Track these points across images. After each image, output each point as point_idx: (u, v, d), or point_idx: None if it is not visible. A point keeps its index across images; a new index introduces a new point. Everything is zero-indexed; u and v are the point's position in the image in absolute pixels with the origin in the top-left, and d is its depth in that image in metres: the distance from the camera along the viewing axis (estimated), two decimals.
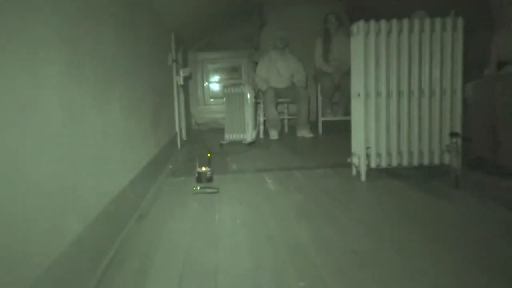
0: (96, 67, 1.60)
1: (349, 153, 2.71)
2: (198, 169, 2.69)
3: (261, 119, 4.99)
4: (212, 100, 6.55)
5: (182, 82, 4.09)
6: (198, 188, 2.49)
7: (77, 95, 1.37)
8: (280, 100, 5.05)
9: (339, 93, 5.07)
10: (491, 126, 2.68)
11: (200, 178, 2.68)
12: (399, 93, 2.51)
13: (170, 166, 3.16)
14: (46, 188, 1.10)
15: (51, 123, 1.15)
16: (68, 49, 1.31)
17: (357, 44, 2.51)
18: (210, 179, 2.70)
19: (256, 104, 4.78)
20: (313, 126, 4.98)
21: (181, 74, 4.03)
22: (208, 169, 2.70)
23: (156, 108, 3.04)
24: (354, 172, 2.70)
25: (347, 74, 3.36)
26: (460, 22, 2.50)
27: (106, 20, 1.81)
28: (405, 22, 2.47)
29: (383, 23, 2.46)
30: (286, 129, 5.49)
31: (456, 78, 2.53)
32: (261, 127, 4.99)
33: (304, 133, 4.81)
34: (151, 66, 2.93)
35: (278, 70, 5.05)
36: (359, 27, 2.47)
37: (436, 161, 2.57)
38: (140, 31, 2.60)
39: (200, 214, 2.08)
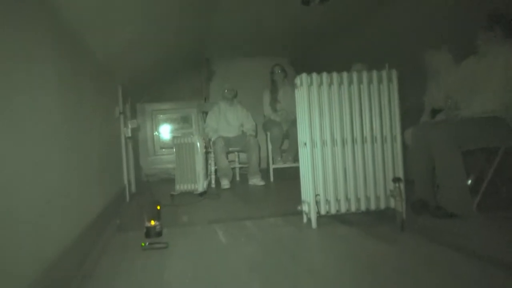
0: (33, 119, 1.55)
1: (299, 200, 2.74)
2: (147, 224, 2.60)
3: (212, 168, 4.97)
4: (163, 150, 6.47)
5: (130, 134, 4.02)
6: (147, 243, 2.39)
7: (12, 151, 1.30)
8: (231, 149, 5.09)
9: (288, 141, 5.20)
10: (429, 169, 2.83)
11: (148, 233, 2.59)
12: (343, 141, 2.61)
13: (118, 221, 3.03)
14: None
15: None
16: None
17: (301, 96, 2.61)
18: (159, 234, 2.61)
19: (206, 154, 4.77)
20: (264, 174, 5.02)
21: (129, 126, 3.98)
22: (157, 223, 2.62)
23: (102, 161, 2.95)
24: (305, 219, 2.72)
25: (294, 122, 3.49)
26: (394, 74, 2.66)
27: (47, 71, 1.78)
28: (345, 75, 2.60)
29: (324, 76, 2.58)
30: (237, 178, 5.50)
31: (395, 126, 2.66)
32: (213, 176, 4.96)
33: (256, 181, 4.83)
34: (97, 119, 2.88)
35: (228, 120, 5.13)
36: (302, 79, 2.58)
37: (382, 205, 2.64)
38: (85, 84, 2.56)
39: (149, 271, 1.99)
